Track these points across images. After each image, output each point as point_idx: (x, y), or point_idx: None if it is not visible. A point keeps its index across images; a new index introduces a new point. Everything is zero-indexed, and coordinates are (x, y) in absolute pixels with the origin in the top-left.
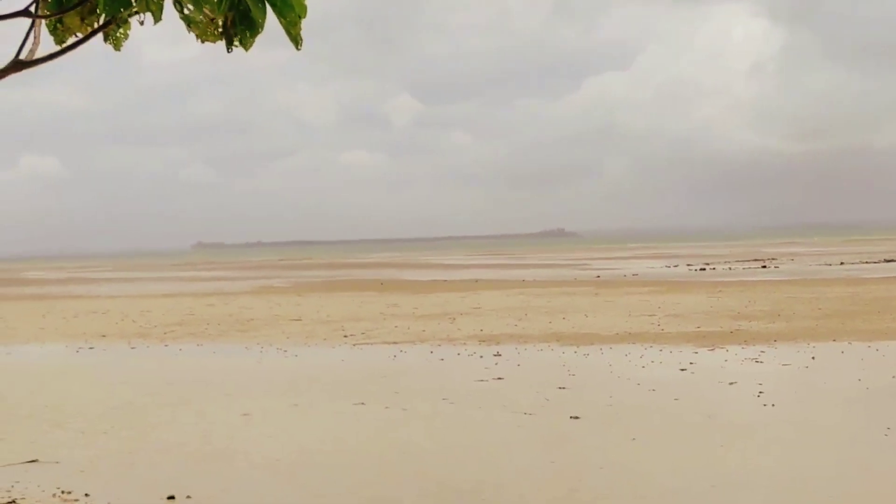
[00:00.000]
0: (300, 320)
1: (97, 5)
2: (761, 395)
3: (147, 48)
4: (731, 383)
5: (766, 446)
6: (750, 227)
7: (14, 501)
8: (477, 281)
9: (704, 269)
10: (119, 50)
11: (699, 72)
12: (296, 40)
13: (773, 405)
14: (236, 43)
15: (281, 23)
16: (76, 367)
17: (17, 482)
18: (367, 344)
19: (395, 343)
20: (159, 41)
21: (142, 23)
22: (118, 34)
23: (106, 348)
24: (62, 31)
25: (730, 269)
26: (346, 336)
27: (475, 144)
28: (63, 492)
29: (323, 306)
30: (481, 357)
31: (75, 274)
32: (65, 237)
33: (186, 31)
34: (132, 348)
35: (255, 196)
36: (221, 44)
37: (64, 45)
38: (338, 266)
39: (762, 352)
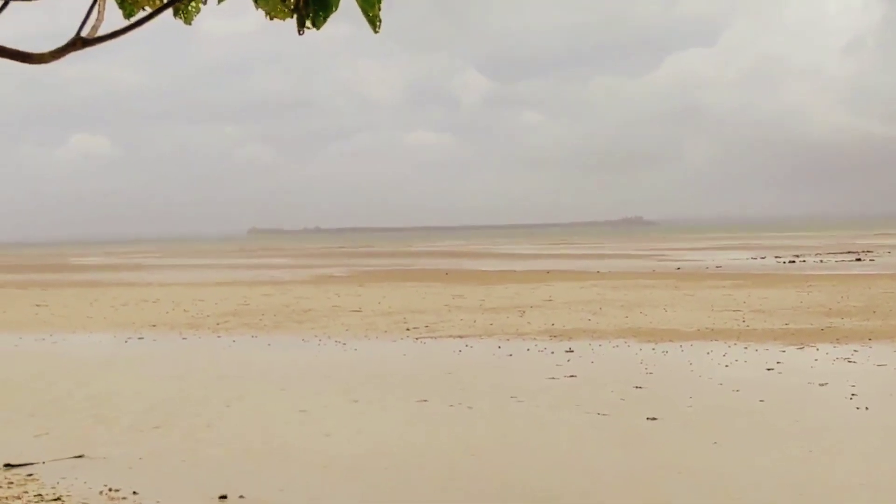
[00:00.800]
0: (360, 311)
1: None
2: (854, 397)
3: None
4: (821, 385)
5: (859, 454)
6: (843, 216)
7: (60, 498)
8: (548, 272)
9: (793, 262)
10: (190, 24)
11: (790, 48)
12: (373, 22)
13: (866, 409)
14: (308, 24)
15: (358, 2)
16: (125, 359)
17: (64, 478)
18: (431, 337)
19: (460, 337)
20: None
21: None
22: (189, 7)
23: (156, 339)
24: (131, 4)
25: (821, 261)
26: (408, 329)
27: (548, 125)
28: (110, 489)
29: (384, 297)
30: (552, 353)
31: (124, 260)
32: (114, 220)
33: (254, 7)
34: (183, 339)
35: (314, 179)
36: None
37: (132, 21)
38: (400, 255)
39: (855, 351)
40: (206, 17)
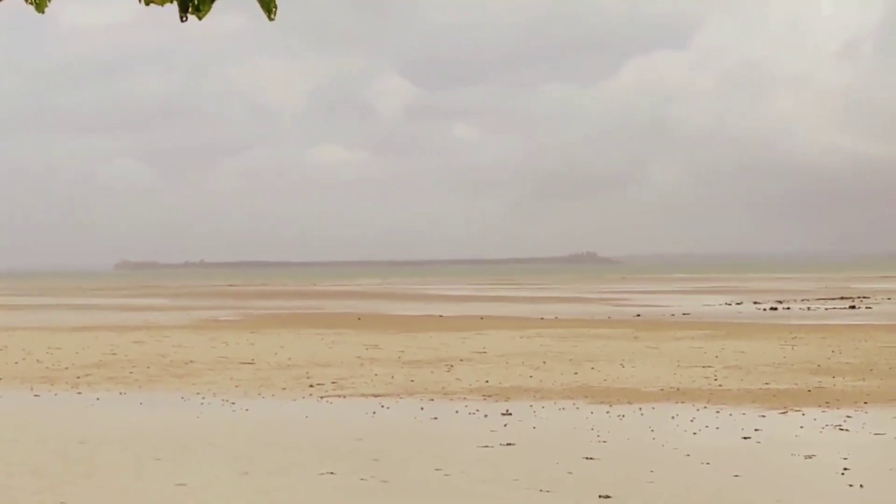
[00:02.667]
0: (253, 364)
1: None
2: (846, 472)
3: (64, 9)
4: (807, 457)
5: None
6: (836, 255)
7: None
8: (482, 318)
9: (776, 309)
10: (42, 12)
11: (774, 53)
12: (268, 7)
13: (860, 486)
14: (191, 9)
15: None
16: None
17: None
18: (339, 396)
19: (375, 396)
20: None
21: None
22: None
23: (2, 395)
24: None
25: (809, 308)
26: (311, 386)
27: (485, 142)
28: None
29: (282, 347)
30: (486, 416)
31: None
32: None
33: None
34: (35, 396)
35: (198, 202)
36: (158, 8)
37: None
38: (303, 295)
39: (848, 417)
40: (66, 4)
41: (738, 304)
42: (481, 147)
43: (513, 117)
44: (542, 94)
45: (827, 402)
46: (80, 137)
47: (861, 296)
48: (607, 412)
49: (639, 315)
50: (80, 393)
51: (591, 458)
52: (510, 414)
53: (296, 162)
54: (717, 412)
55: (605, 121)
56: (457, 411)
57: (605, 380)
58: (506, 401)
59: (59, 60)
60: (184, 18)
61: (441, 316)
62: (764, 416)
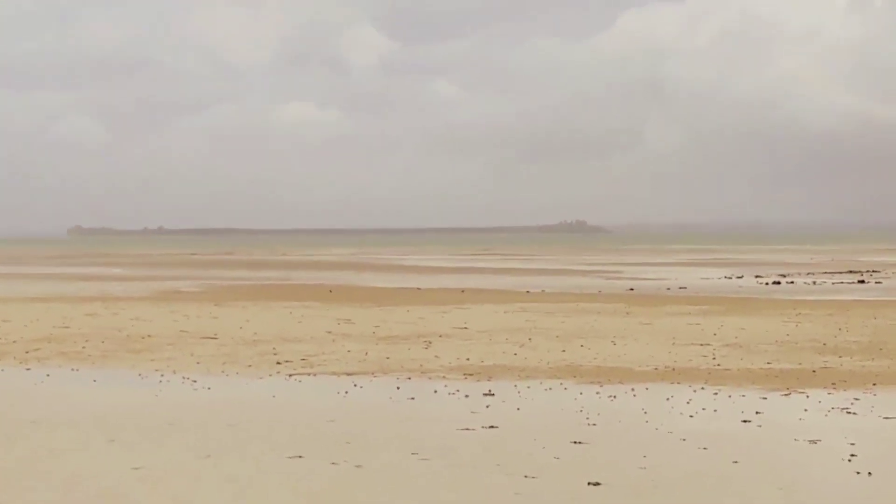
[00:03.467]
0: (216, 339)
1: None
2: (853, 459)
3: None
4: (812, 442)
5: None
6: (844, 225)
7: None
8: (463, 291)
9: (779, 283)
10: None
11: (779, 6)
12: None
13: (869, 474)
14: None
15: None
16: None
17: None
18: (309, 374)
19: (347, 374)
20: None
21: None
22: None
23: None
24: None
25: (814, 283)
26: (279, 363)
27: (467, 100)
28: None
29: (248, 321)
30: (467, 396)
31: None
32: None
33: None
34: None
35: (157, 164)
36: None
37: None
38: (270, 265)
39: (856, 399)
40: None
41: (738, 277)
42: (462, 106)
43: (496, 74)
44: (527, 49)
45: (833, 384)
46: (27, 92)
47: (870, 269)
48: (597, 393)
49: (632, 289)
50: (28, 369)
51: (579, 443)
52: (493, 394)
53: (262, 121)
54: (716, 393)
55: (594, 80)
56: (435, 391)
57: (595, 358)
58: (488, 380)
59: (2, 7)
60: None
61: (419, 288)
62: (766, 398)
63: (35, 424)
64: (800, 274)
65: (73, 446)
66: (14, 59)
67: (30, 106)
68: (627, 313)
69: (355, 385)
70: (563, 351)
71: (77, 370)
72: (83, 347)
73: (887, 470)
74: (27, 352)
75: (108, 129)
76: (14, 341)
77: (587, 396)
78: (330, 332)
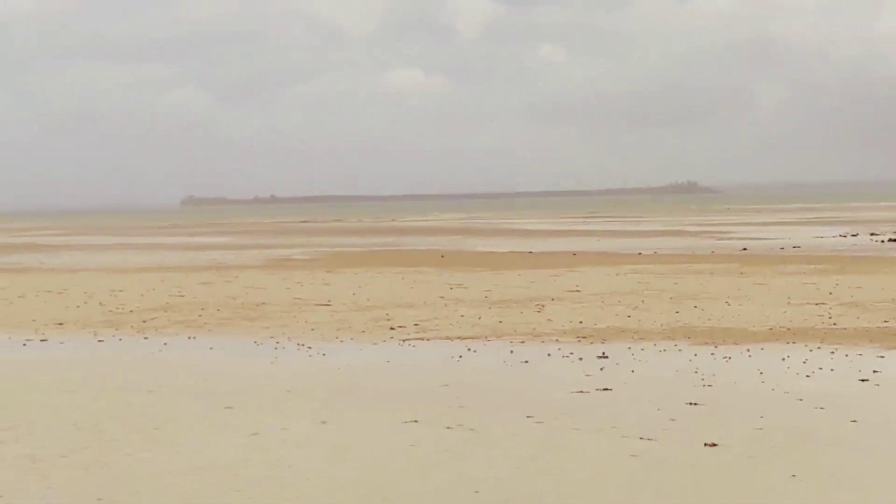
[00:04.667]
0: (330, 305)
1: None
2: None
3: None
4: None
5: None
6: None
7: None
8: (575, 254)
9: (895, 241)
10: None
11: None
12: None
13: None
14: None
15: None
16: (21, 368)
17: None
18: (422, 339)
19: (460, 339)
20: None
21: None
22: None
23: (63, 341)
24: None
25: None
26: (392, 329)
27: (573, 64)
28: None
29: (360, 287)
30: (581, 359)
31: (22, 238)
32: (2, 190)
33: None
34: (99, 341)
35: (265, 134)
36: None
37: None
38: (381, 231)
39: None
40: None
41: (852, 235)
42: (568, 70)
43: (602, 37)
44: (633, 11)
45: None
46: (134, 66)
47: None
48: (712, 354)
49: (745, 249)
50: (146, 338)
51: (695, 404)
52: (606, 357)
53: (368, 89)
54: (832, 353)
55: (702, 40)
56: (549, 354)
57: (710, 319)
58: (602, 343)
59: None
60: None
61: (530, 252)
62: (883, 357)
63: (153, 394)
64: None
65: (192, 415)
66: (118, 35)
67: (136, 80)
68: (741, 273)
69: (469, 349)
70: (677, 312)
71: (194, 338)
72: (199, 316)
73: None
74: (144, 321)
75: (215, 101)
76: (131, 311)
77: (702, 358)
78: (442, 297)
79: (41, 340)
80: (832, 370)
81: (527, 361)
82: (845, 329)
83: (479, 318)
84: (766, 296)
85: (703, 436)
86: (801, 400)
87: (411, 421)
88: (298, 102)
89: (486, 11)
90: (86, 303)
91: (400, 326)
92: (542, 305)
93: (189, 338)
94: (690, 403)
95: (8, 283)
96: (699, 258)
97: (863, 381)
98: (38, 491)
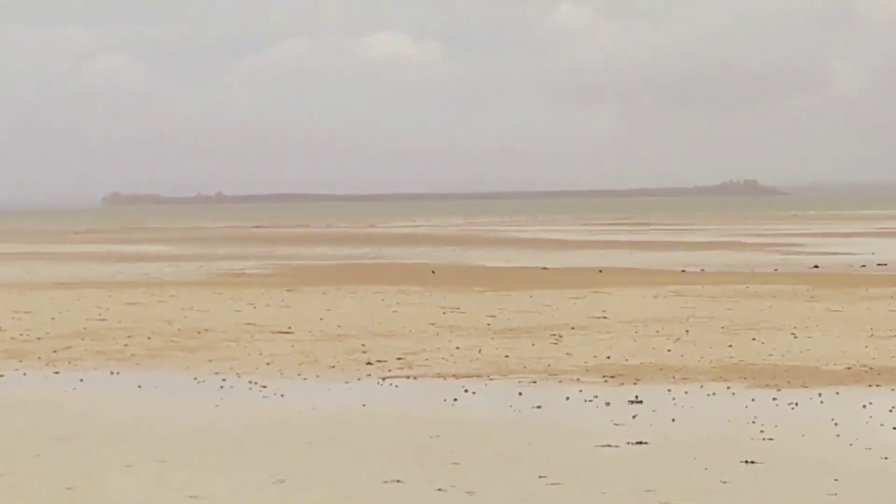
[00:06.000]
0: (290, 333)
1: None
2: None
3: None
4: None
5: None
6: None
7: None
8: (601, 270)
9: None
10: None
11: None
12: None
13: None
14: None
15: None
16: None
17: None
18: (407, 378)
19: (455, 377)
20: None
21: None
22: None
23: None
24: None
25: None
26: (369, 363)
27: (602, 31)
28: None
29: (330, 310)
30: (608, 405)
31: None
32: None
33: None
34: (0, 376)
35: (213, 114)
36: None
37: None
38: (355, 239)
39: None
40: None
41: None
42: (596, 39)
43: None
44: None
45: None
46: (54, 28)
47: None
48: (774, 399)
49: (816, 266)
50: (57, 372)
51: (752, 462)
52: (641, 402)
53: (342, 59)
54: None
55: (764, 6)
56: (567, 398)
57: (771, 355)
58: (634, 384)
59: None
60: None
61: (544, 268)
62: None
63: (65, 442)
64: None
65: (114, 470)
66: None
67: (55, 45)
68: (811, 297)
69: (466, 390)
70: (730, 346)
71: (117, 373)
72: (125, 345)
73: None
74: (55, 351)
75: (152, 72)
76: (39, 338)
77: (761, 403)
78: (433, 324)
79: None
80: None
81: (539, 406)
82: None
83: (480, 350)
84: (843, 326)
85: (761, 502)
86: (885, 458)
87: (393, 481)
88: (254, 76)
89: None
90: None
91: (379, 361)
92: (560, 336)
93: (111, 373)
94: (746, 462)
95: None
96: (759, 277)
97: None
98: None
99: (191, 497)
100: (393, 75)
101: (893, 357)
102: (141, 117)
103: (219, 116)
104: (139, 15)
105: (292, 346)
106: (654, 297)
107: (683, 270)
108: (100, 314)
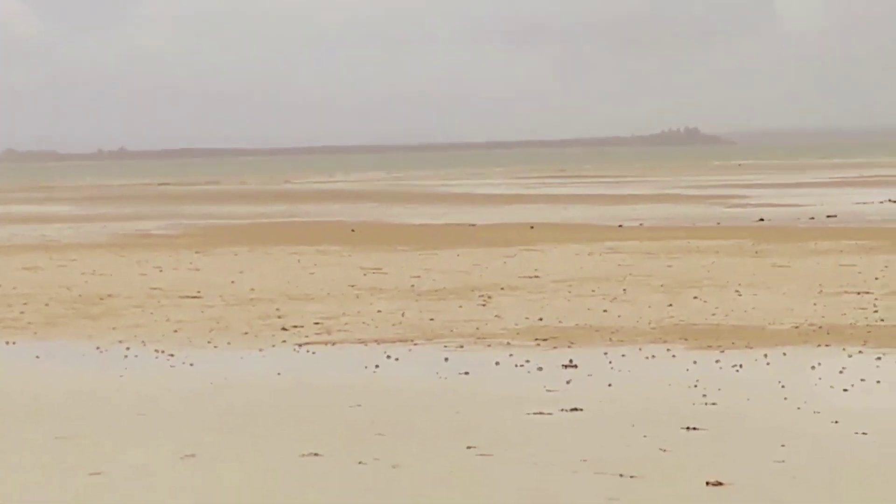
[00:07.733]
0: (200, 298)
1: None
2: None
3: None
4: None
5: None
6: None
7: None
8: (533, 227)
9: None
10: None
11: None
12: None
13: None
14: None
15: None
16: None
17: None
18: (326, 344)
19: (377, 342)
20: None
21: None
22: None
23: None
24: None
25: None
26: (285, 329)
27: None
28: None
29: (242, 272)
30: (540, 370)
31: None
32: None
33: None
34: None
35: (116, 64)
36: None
37: None
38: (269, 197)
39: None
40: None
41: None
42: None
43: None
44: None
45: None
46: None
47: None
48: (717, 361)
49: (762, 219)
50: None
51: (694, 429)
52: (575, 366)
53: None
54: (878, 359)
55: None
56: (497, 363)
57: (714, 314)
58: (568, 347)
59: None
60: None
61: (473, 225)
62: None
63: None
64: None
65: (10, 448)
66: None
67: None
68: (756, 252)
69: (388, 356)
70: (670, 305)
71: (13, 343)
72: (21, 313)
73: None
74: None
75: (45, 16)
76: None
77: (703, 366)
78: (353, 286)
79: None
80: (878, 382)
81: (467, 373)
82: None
83: (403, 314)
84: (791, 283)
85: (704, 472)
86: (836, 422)
87: (310, 454)
88: (160, 16)
89: None
90: None
91: (295, 326)
92: (489, 297)
93: (7, 342)
94: (688, 428)
95: None
96: (700, 232)
97: None
98: None
99: (92, 474)
100: (313, 16)
101: (843, 315)
102: (35, 66)
103: (122, 64)
104: None
105: (202, 312)
106: (590, 254)
107: (620, 225)
108: None
